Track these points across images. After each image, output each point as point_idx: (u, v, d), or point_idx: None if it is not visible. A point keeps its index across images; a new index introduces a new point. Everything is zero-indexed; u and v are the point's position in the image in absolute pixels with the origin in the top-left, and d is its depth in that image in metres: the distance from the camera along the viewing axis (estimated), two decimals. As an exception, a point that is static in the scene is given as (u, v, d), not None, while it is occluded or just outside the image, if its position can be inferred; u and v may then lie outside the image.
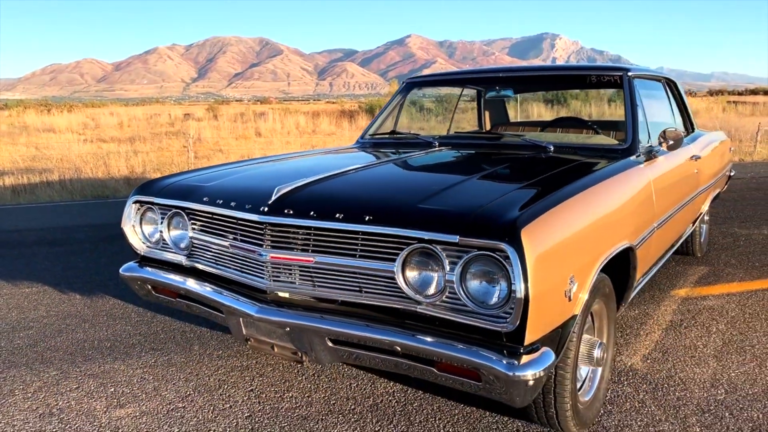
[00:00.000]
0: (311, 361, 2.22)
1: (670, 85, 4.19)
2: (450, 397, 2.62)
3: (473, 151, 3.17)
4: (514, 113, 6.74)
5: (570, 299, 1.93)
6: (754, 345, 3.13)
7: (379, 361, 2.03)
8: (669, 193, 3.20)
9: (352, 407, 2.56)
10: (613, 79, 3.27)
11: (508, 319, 1.77)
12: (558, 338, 1.96)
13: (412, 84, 3.99)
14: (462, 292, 1.83)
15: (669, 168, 3.25)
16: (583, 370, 2.43)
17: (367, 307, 2.04)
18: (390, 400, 2.61)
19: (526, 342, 1.78)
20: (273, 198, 2.17)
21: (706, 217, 4.80)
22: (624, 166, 2.72)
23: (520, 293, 1.71)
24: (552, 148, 3.00)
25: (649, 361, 2.95)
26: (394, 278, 1.93)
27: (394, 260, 1.93)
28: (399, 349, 1.92)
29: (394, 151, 3.30)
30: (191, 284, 2.45)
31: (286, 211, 2.11)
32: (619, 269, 2.57)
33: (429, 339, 1.87)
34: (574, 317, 2.02)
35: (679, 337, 3.24)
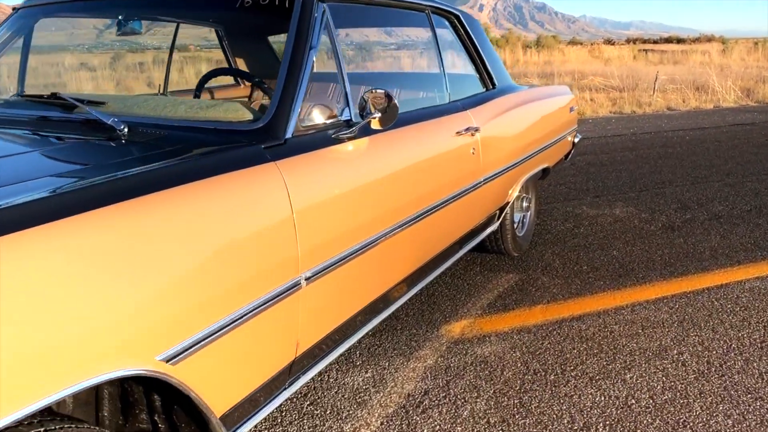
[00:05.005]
0: None
1: (453, 23, 2.83)
2: None
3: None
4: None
5: None
6: (511, 448, 1.91)
7: None
8: (379, 197, 1.89)
9: None
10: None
11: None
12: None
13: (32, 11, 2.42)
14: None
15: (379, 157, 1.93)
16: None
17: None
18: None
19: None
20: None
21: (527, 204, 3.59)
22: (206, 168, 1.35)
23: None
24: (126, 130, 1.58)
25: (317, 506, 1.67)
26: None
27: None
28: None
29: None
30: None
31: None
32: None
33: None
34: None
35: (404, 433, 1.99)
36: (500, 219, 3.20)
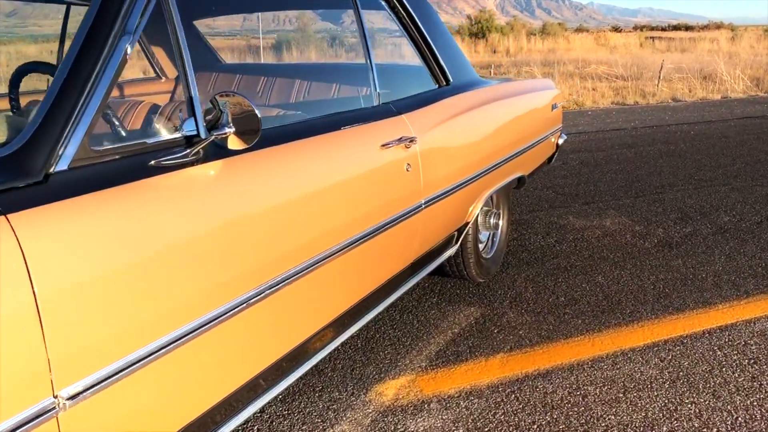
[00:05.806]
0: None
1: (391, 2, 2.24)
2: None
3: None
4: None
5: None
6: None
7: None
8: (238, 250, 1.33)
9: None
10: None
11: None
12: None
13: None
14: None
15: (241, 189, 1.37)
16: None
17: None
18: None
19: None
20: None
21: (496, 220, 3.01)
22: None
23: None
24: None
25: None
26: None
27: None
28: None
29: None
30: None
31: None
32: None
33: None
34: None
35: None
36: (459, 242, 2.64)
